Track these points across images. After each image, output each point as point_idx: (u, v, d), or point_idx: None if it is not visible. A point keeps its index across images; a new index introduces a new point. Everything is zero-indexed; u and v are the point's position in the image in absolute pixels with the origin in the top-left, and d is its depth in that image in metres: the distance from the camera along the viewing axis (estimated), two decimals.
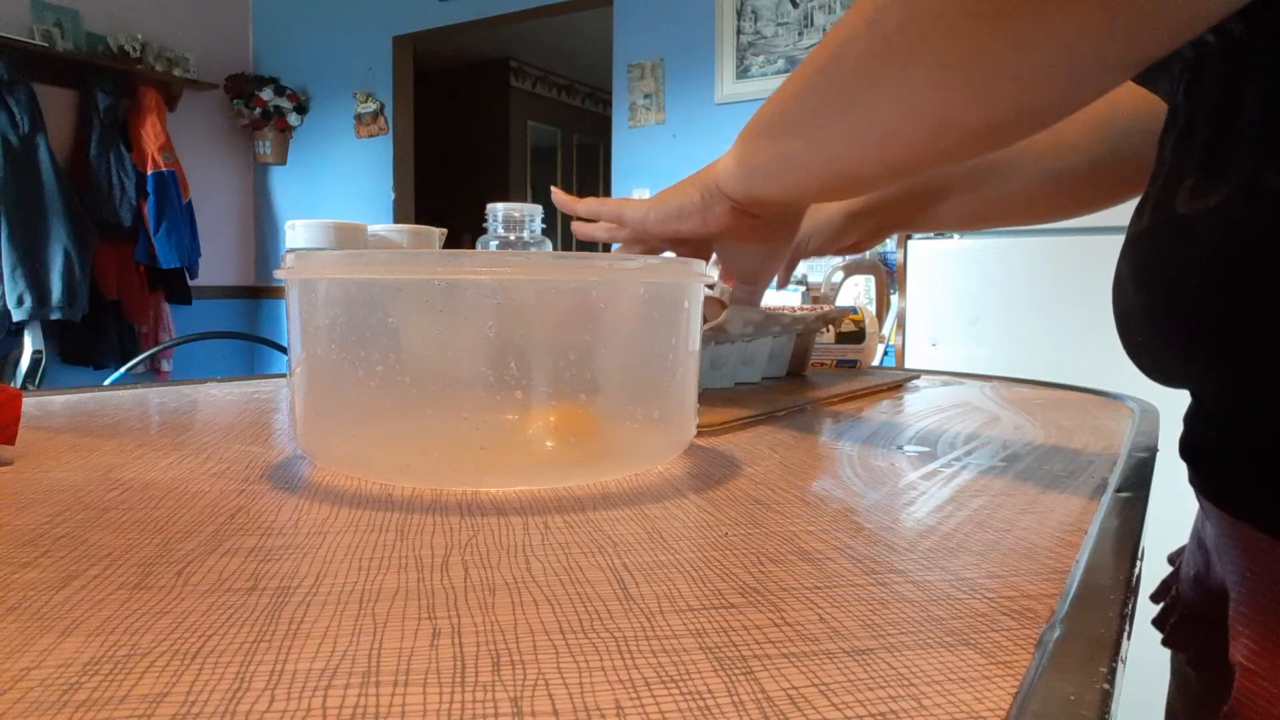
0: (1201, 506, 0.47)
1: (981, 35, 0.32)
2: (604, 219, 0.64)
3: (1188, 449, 0.43)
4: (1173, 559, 0.57)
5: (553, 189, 0.71)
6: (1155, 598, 0.56)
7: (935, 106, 0.36)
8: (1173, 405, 0.80)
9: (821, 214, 0.76)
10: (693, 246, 0.62)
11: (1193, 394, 0.43)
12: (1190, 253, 0.38)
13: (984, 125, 0.36)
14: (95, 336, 3.79)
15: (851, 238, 0.77)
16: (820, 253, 0.81)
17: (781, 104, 0.46)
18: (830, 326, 0.93)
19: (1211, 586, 0.47)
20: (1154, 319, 0.41)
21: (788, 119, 0.46)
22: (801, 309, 0.89)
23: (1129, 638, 0.26)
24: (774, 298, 1.25)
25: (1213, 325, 0.37)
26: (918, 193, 0.72)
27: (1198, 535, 0.50)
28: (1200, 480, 0.43)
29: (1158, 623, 0.54)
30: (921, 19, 0.34)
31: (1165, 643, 0.53)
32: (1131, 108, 0.58)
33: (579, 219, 0.67)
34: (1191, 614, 0.50)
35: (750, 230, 0.57)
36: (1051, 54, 0.32)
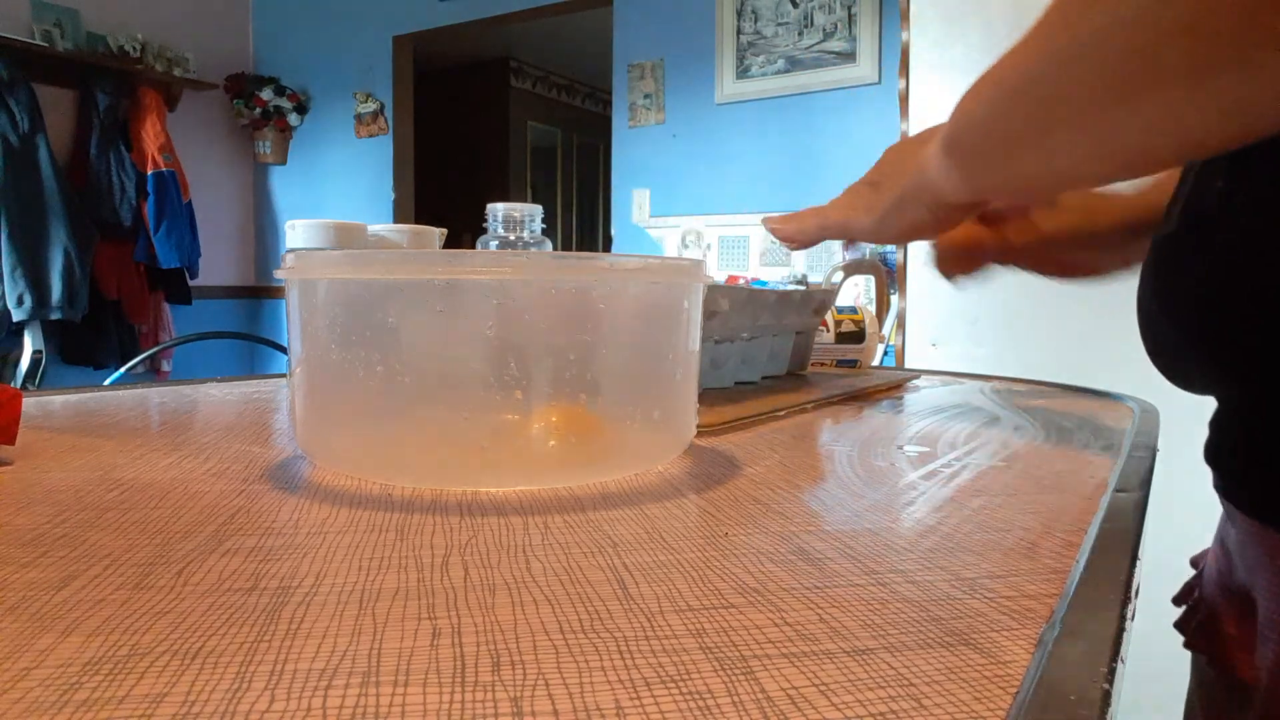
0: (1225, 510, 0.47)
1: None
2: (830, 238, 0.61)
3: (1210, 452, 0.42)
4: (1195, 561, 0.56)
5: (764, 220, 0.65)
6: (1178, 600, 0.55)
7: (1190, 124, 0.30)
8: (1173, 405, 0.79)
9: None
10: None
11: (1216, 398, 0.43)
12: (1205, 255, 0.37)
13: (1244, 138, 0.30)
14: (95, 336, 3.78)
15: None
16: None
17: (990, 123, 0.40)
18: (817, 312, 0.93)
19: (1234, 589, 0.46)
20: (1172, 320, 0.40)
21: (1001, 138, 0.40)
22: (788, 289, 0.89)
23: (1129, 638, 0.26)
24: None
25: (1218, 329, 0.37)
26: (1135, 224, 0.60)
27: (1221, 538, 0.50)
28: (1222, 484, 0.43)
29: (1180, 625, 0.53)
30: (1200, 38, 0.27)
31: (1188, 645, 0.53)
32: None
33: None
34: (1213, 615, 0.50)
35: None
36: None
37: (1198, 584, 0.54)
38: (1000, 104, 0.39)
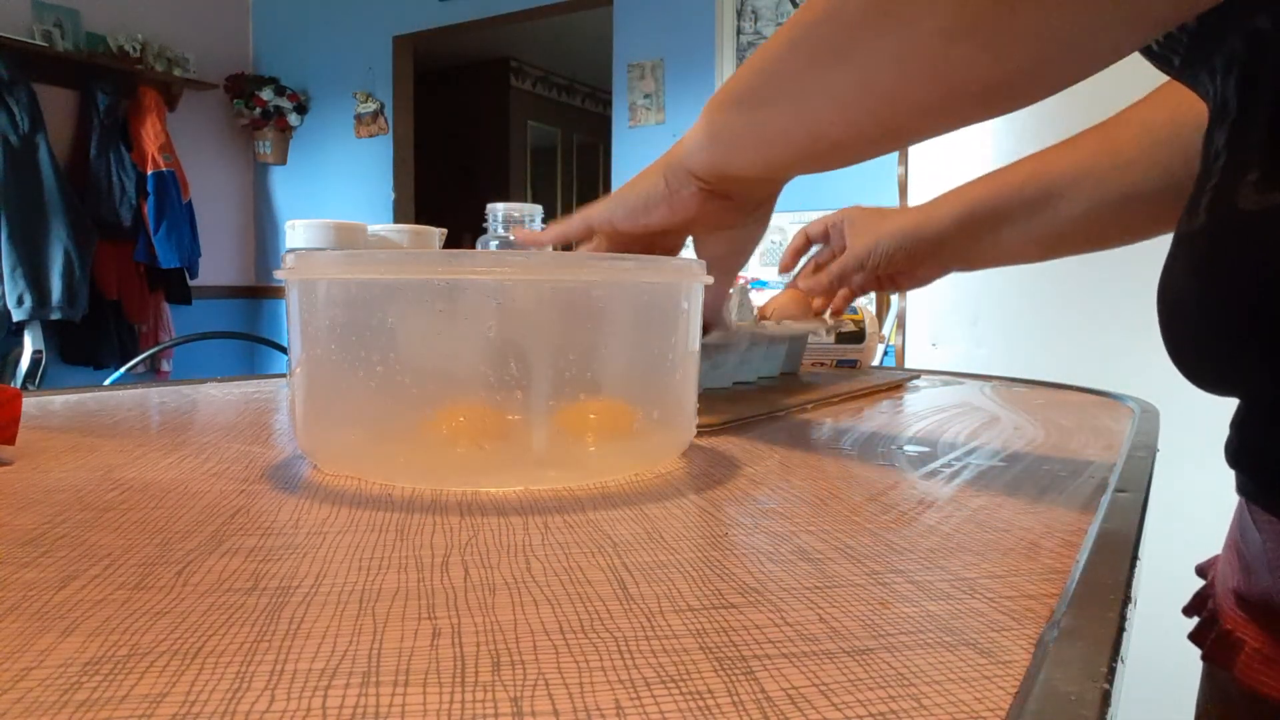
0: (1249, 516, 0.45)
1: None
2: (575, 238, 0.60)
3: (1232, 453, 0.41)
4: (1203, 570, 0.54)
5: (514, 231, 0.69)
6: (1189, 610, 0.53)
7: (946, 64, 0.34)
8: (1174, 405, 0.79)
9: (879, 235, 0.74)
10: (667, 241, 0.57)
11: (1242, 398, 0.42)
12: (1256, 251, 0.36)
13: (995, 85, 0.35)
14: (95, 336, 3.79)
15: (903, 264, 0.74)
16: (870, 283, 0.79)
17: (758, 69, 0.44)
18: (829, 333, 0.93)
19: (1254, 600, 0.45)
20: (1207, 318, 0.40)
21: (767, 84, 0.44)
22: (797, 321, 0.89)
23: (1129, 638, 0.26)
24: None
25: (1273, 324, 0.36)
26: (975, 220, 0.69)
27: (1235, 546, 0.48)
28: (1249, 485, 0.42)
29: (1195, 637, 0.51)
30: None
31: (1205, 658, 0.51)
32: (1197, 121, 0.57)
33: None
34: (1230, 628, 0.47)
35: (722, 213, 0.53)
36: (1078, 9, 0.30)
37: (1210, 594, 0.52)
38: (777, 48, 0.41)
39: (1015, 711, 0.20)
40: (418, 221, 3.35)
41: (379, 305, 0.42)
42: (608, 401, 0.44)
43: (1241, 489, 0.43)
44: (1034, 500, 0.41)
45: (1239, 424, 0.41)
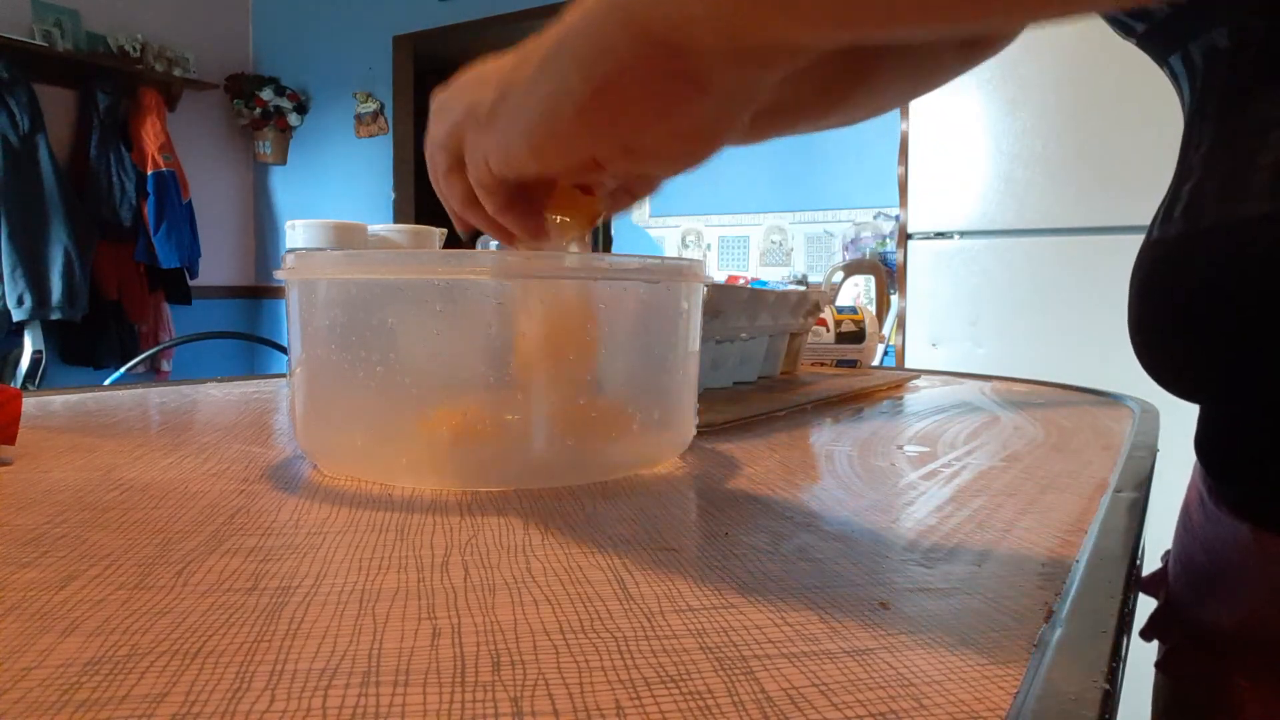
0: (1213, 520, 0.44)
1: None
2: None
3: (1204, 453, 0.41)
4: (1149, 587, 0.52)
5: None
6: (1148, 634, 0.51)
7: None
8: (1174, 405, 0.79)
9: None
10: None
11: (1205, 404, 0.41)
12: (1216, 263, 0.36)
13: None
14: (95, 336, 3.78)
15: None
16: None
17: None
18: (810, 314, 0.93)
19: (1206, 615, 0.44)
20: (1170, 327, 0.39)
21: None
22: (786, 289, 0.89)
23: (1129, 638, 0.26)
24: None
25: (1221, 335, 0.36)
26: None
27: (1206, 558, 0.45)
28: (1228, 491, 0.41)
29: (1164, 666, 0.49)
30: None
31: (1180, 690, 0.48)
32: None
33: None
34: (1205, 656, 0.45)
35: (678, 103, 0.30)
36: None
37: (1172, 618, 0.49)
38: None
39: (1015, 711, 0.20)
40: (418, 221, 3.34)
41: (379, 305, 0.42)
42: (607, 402, 0.44)
43: (1210, 490, 0.42)
44: (1034, 500, 0.41)
45: (1204, 420, 0.41)
